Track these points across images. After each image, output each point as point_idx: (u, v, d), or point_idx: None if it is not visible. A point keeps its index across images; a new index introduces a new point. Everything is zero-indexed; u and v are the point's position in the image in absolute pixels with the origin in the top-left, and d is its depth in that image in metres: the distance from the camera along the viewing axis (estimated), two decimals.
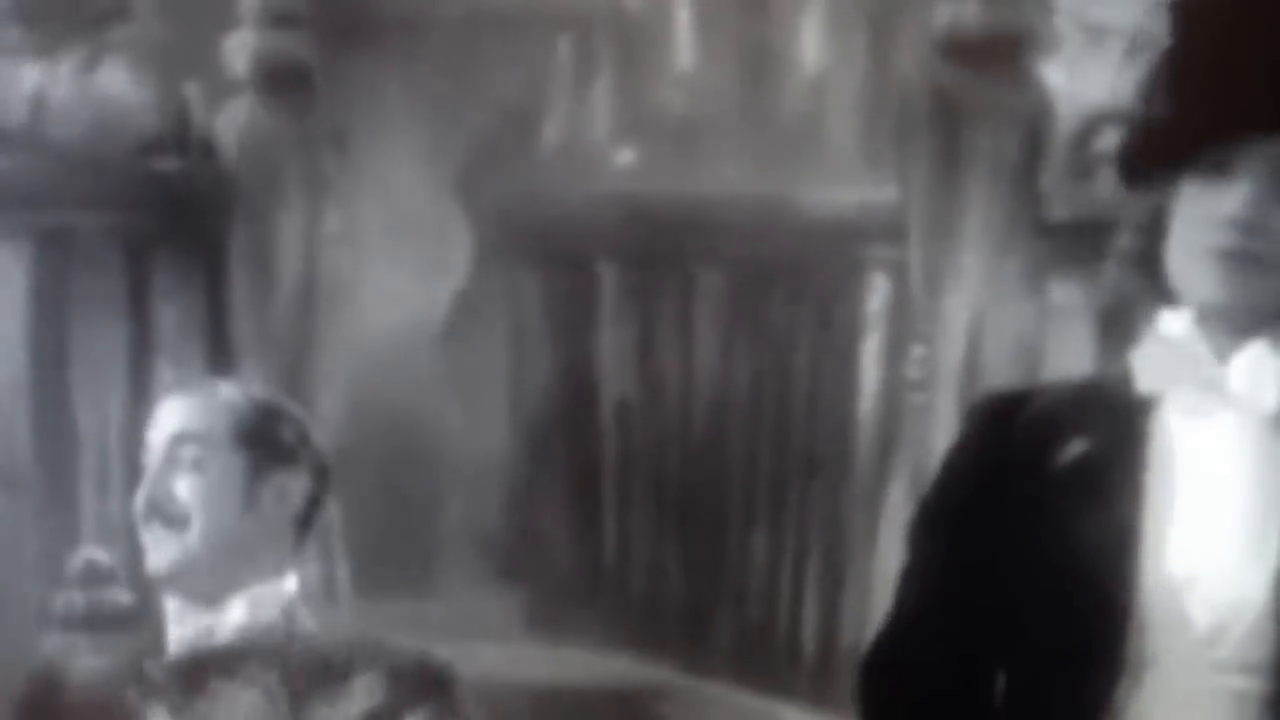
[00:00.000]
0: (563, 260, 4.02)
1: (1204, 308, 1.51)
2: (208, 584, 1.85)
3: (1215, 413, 1.51)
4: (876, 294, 3.45)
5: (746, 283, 3.71)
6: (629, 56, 3.96)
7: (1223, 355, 1.52)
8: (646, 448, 3.85)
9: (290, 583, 1.88)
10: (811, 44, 3.61)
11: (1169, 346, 1.52)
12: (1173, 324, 1.54)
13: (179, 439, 1.86)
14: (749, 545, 3.64)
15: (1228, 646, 1.48)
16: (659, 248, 3.86)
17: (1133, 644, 1.47)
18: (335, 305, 4.00)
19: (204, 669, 1.82)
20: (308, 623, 1.87)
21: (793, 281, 3.60)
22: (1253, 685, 1.48)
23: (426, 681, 1.85)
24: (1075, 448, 1.51)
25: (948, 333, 3.24)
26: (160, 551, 1.84)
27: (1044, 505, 1.51)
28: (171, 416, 1.88)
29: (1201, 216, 1.50)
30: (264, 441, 1.88)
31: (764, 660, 3.61)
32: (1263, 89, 1.49)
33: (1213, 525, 1.50)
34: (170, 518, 1.84)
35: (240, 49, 3.95)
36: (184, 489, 1.85)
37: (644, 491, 3.86)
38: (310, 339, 3.98)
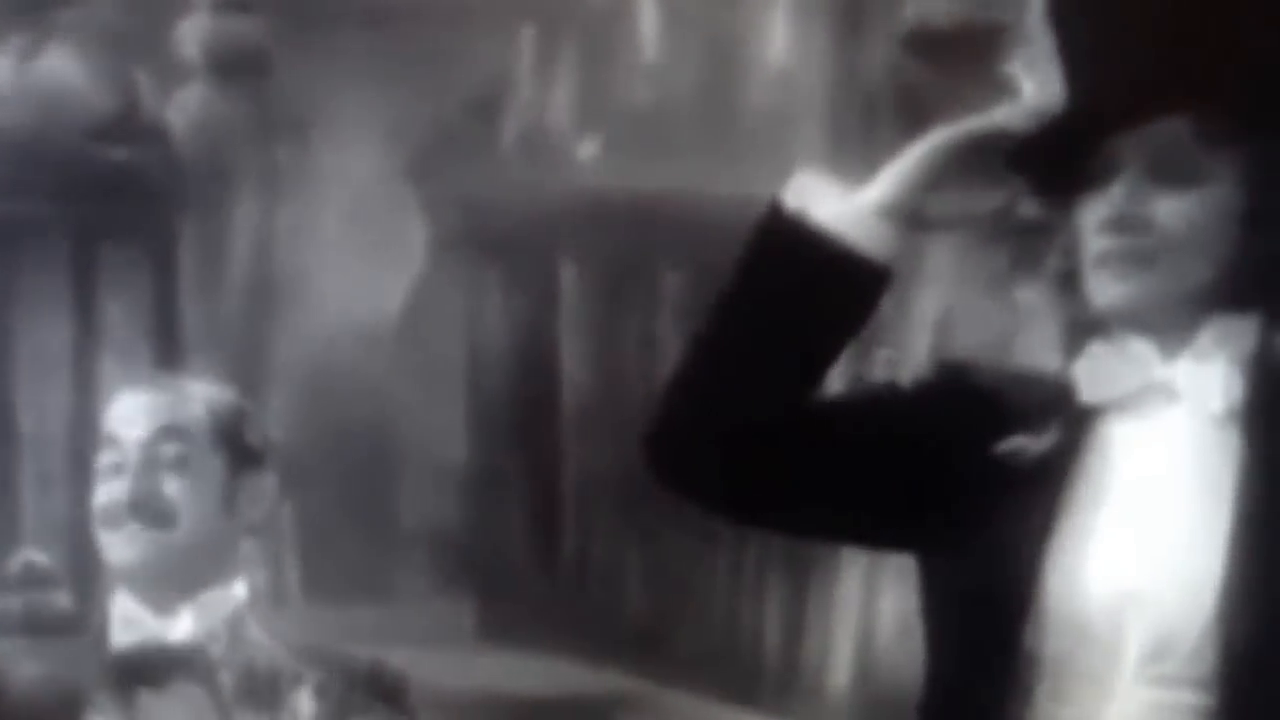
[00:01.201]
0: (522, 255, 4.04)
1: (1111, 315, 1.51)
2: (171, 585, 1.85)
3: (1162, 414, 1.52)
4: None
5: (709, 280, 3.72)
6: (593, 48, 3.98)
7: (1171, 354, 1.53)
8: (607, 450, 3.87)
9: (239, 588, 1.89)
10: (778, 39, 3.64)
11: (1114, 353, 1.53)
12: (1119, 328, 1.55)
13: (160, 436, 1.85)
14: (710, 551, 3.67)
15: (1171, 662, 1.49)
16: (621, 244, 3.88)
17: (1064, 657, 1.48)
18: (288, 299, 4.01)
19: (140, 681, 1.83)
20: (255, 630, 1.88)
21: None
22: (1198, 700, 1.48)
23: (378, 690, 1.87)
24: (1026, 449, 1.52)
25: (913, 334, 3.28)
26: (132, 547, 1.83)
27: (971, 486, 1.51)
28: (145, 412, 1.87)
29: (1091, 224, 1.52)
30: (238, 442, 1.90)
31: (724, 669, 3.63)
32: (1146, 75, 1.50)
33: (1156, 534, 1.51)
34: (156, 516, 1.84)
35: (193, 35, 3.95)
36: (173, 488, 1.84)
37: (603, 495, 3.88)
38: (262, 334, 3.99)
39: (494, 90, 4.09)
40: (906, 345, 3.30)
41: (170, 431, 1.85)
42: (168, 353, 3.82)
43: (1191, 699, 1.49)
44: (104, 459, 1.88)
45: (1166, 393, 1.52)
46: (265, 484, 1.92)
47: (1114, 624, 1.49)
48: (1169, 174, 1.51)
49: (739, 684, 3.60)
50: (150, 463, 1.85)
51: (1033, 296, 3.65)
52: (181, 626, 1.85)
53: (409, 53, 4.03)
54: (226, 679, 1.82)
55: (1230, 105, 1.50)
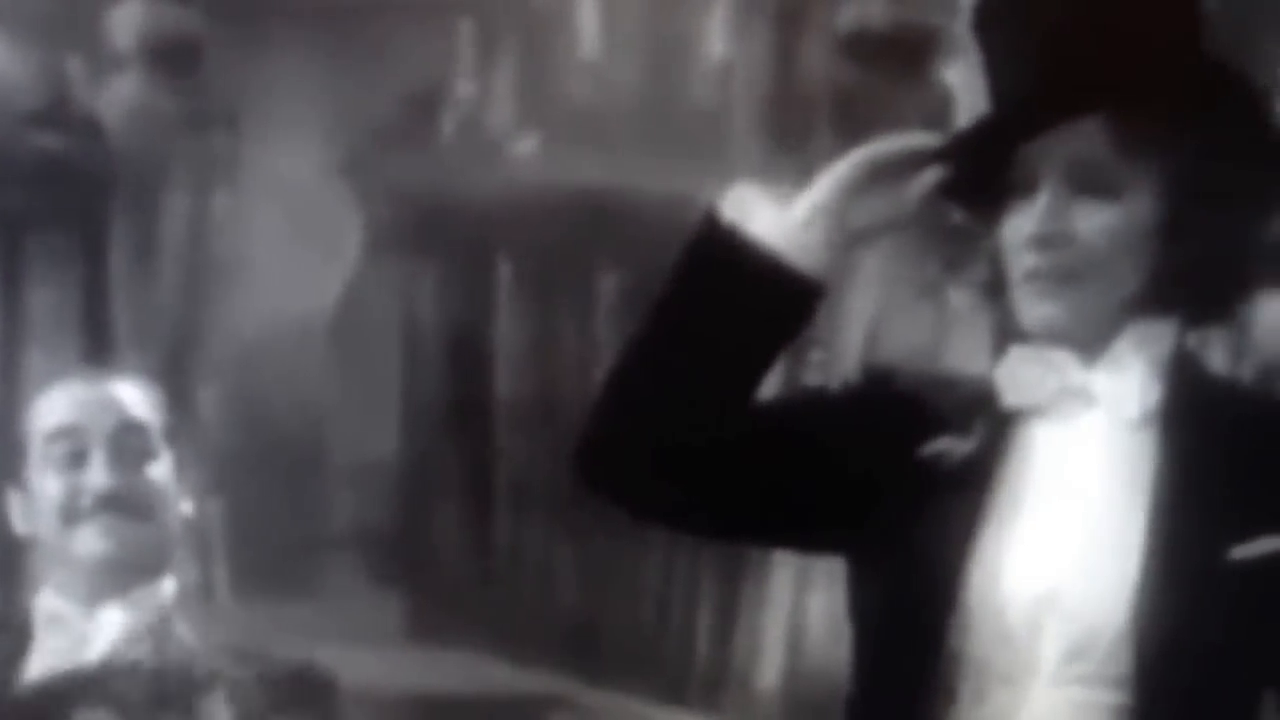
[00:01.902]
0: (459, 251, 4.06)
1: (1038, 332, 1.55)
2: (120, 579, 1.86)
3: (1082, 418, 1.54)
4: None
5: (646, 280, 3.76)
6: (532, 44, 4.01)
7: (1091, 359, 1.55)
8: (541, 449, 3.90)
9: (168, 585, 1.90)
10: (717, 38, 3.68)
11: (1034, 357, 1.55)
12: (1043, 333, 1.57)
13: (126, 428, 1.87)
14: (642, 551, 3.71)
15: (1090, 662, 1.51)
16: (558, 241, 3.91)
17: (986, 658, 1.51)
18: (221, 292, 4.01)
19: (54, 696, 1.83)
20: (183, 628, 1.90)
21: None
22: (1115, 699, 1.51)
23: (306, 689, 1.89)
24: (948, 453, 1.55)
25: (846, 336, 3.32)
26: (107, 540, 1.84)
27: (912, 505, 1.55)
28: (107, 404, 1.88)
29: (1016, 240, 1.55)
30: (178, 436, 1.93)
31: (655, 668, 3.67)
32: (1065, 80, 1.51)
33: (1075, 536, 1.53)
34: (135, 508, 1.85)
35: (126, 23, 3.96)
36: (147, 479, 1.86)
37: (535, 494, 3.91)
38: (193, 328, 4.00)
39: (432, 84, 4.11)
40: (838, 347, 3.35)
41: (132, 426, 1.87)
42: (97, 345, 3.82)
43: (1108, 698, 1.52)
44: (54, 450, 1.87)
45: (1085, 397, 1.55)
46: (197, 478, 1.95)
47: (1033, 625, 1.52)
48: (1088, 186, 1.53)
49: (669, 683, 3.64)
50: (121, 453, 1.85)
51: (963, 301, 3.75)
52: (109, 624, 1.87)
53: (346, 45, 4.05)
54: (136, 692, 1.83)
55: (1147, 114, 1.52)
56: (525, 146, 4.01)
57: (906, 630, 1.52)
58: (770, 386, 3.83)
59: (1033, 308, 1.53)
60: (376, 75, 4.07)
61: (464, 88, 4.11)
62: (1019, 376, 1.56)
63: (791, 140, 3.48)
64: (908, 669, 1.52)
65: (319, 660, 1.93)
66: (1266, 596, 1.49)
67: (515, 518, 3.95)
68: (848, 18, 3.25)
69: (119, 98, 3.99)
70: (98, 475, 1.85)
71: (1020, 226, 1.54)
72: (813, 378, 3.38)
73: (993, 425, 1.55)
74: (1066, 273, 1.52)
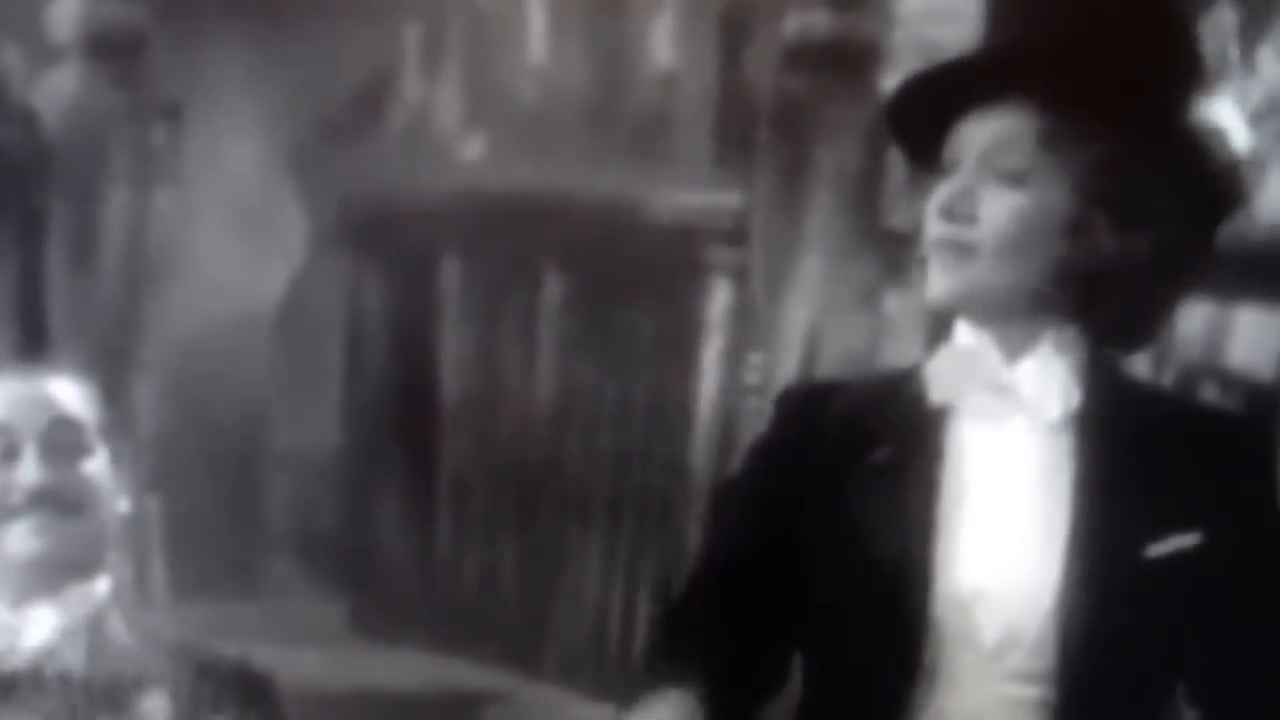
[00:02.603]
0: (404, 251, 4.09)
1: (938, 307, 1.59)
2: (52, 578, 1.85)
3: (1006, 419, 1.59)
4: (719, 298, 3.59)
5: (590, 282, 3.82)
6: (479, 46, 4.05)
7: (1014, 359, 1.59)
8: (484, 449, 3.94)
9: (102, 584, 1.90)
10: (663, 45, 3.74)
11: (961, 355, 1.60)
12: (966, 332, 1.62)
13: (58, 424, 1.85)
14: (583, 548, 3.76)
15: (1016, 657, 1.56)
16: (503, 243, 3.95)
17: (927, 654, 1.56)
18: (160, 288, 4.03)
19: None
20: (118, 627, 1.89)
21: (637, 283, 3.72)
22: (1040, 695, 1.56)
23: (243, 688, 1.88)
24: (879, 453, 1.60)
25: (786, 339, 3.39)
26: (40, 538, 1.83)
27: (847, 505, 1.59)
28: (37, 399, 1.87)
29: (931, 210, 1.60)
30: (112, 431, 1.91)
31: (597, 665, 3.73)
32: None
33: (1001, 534, 1.58)
34: (67, 505, 1.84)
35: (66, 14, 3.97)
36: (81, 475, 1.84)
37: (480, 493, 3.96)
38: (132, 323, 4.01)
39: (379, 84, 4.14)
40: (778, 352, 3.41)
41: (65, 421, 1.86)
42: (32, 339, 3.83)
43: (1035, 693, 1.57)
44: None
45: (1009, 397, 1.60)
46: (129, 477, 1.94)
47: (963, 621, 1.56)
48: (1001, 171, 1.57)
49: (610, 679, 3.69)
50: (53, 449, 1.85)
51: (899, 306, 3.82)
52: (41, 623, 1.87)
53: (292, 42, 4.07)
54: (70, 692, 1.83)
55: (1076, 115, 1.55)
56: (471, 147, 4.05)
57: (851, 632, 1.58)
58: (710, 386, 3.89)
59: (934, 279, 1.58)
60: (323, 73, 4.10)
61: (411, 88, 4.14)
62: (945, 374, 1.59)
63: (735, 147, 3.55)
64: (857, 672, 1.58)
65: (254, 658, 1.92)
66: (1177, 592, 1.54)
67: (457, 515, 4.00)
68: (790, 28, 3.32)
69: (57, 90, 4.00)
70: (29, 471, 1.84)
71: (937, 197, 1.59)
72: (752, 380, 3.45)
73: (921, 426, 1.59)
74: (963, 246, 1.56)
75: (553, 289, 3.88)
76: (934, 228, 1.59)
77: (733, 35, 3.57)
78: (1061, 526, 1.57)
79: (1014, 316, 1.59)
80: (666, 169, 3.69)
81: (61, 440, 1.87)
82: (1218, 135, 3.14)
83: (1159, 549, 1.54)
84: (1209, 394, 3.01)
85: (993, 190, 1.57)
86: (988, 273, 1.57)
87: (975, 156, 1.58)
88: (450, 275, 4.02)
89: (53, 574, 1.87)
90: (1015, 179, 1.57)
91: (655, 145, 3.72)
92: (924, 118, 1.62)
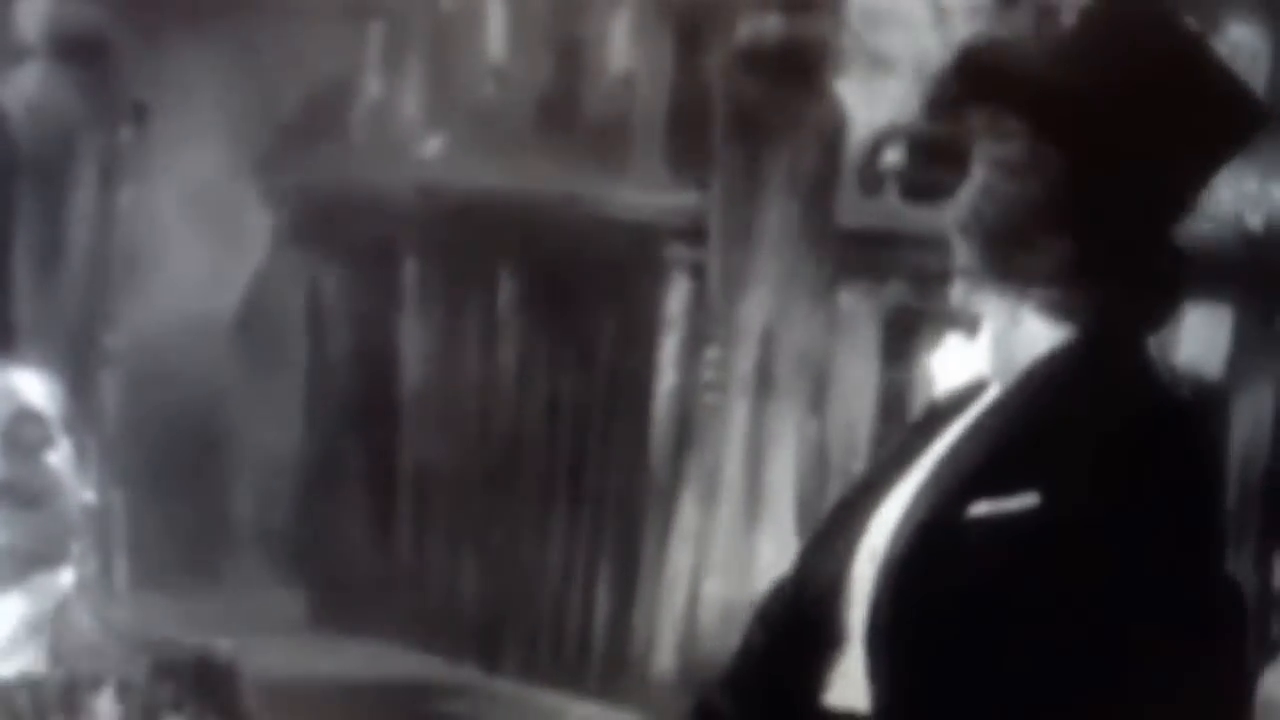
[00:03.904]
0: (364, 250, 4.10)
1: (960, 272, 1.61)
2: (16, 567, 1.88)
3: (977, 400, 1.58)
4: (676, 295, 3.61)
5: (549, 279, 3.84)
6: (440, 48, 4.07)
7: (1005, 334, 1.57)
8: (443, 444, 3.96)
9: (67, 575, 1.93)
10: (620, 47, 3.76)
11: (962, 344, 1.62)
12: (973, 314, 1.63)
13: (21, 418, 1.89)
14: (542, 542, 3.77)
15: None
16: (463, 241, 3.96)
17: (843, 616, 1.55)
18: (125, 286, 4.03)
19: None
20: (82, 619, 1.93)
21: (595, 280, 3.74)
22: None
23: (205, 678, 1.92)
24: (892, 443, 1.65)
25: (742, 336, 3.41)
26: (6, 530, 1.86)
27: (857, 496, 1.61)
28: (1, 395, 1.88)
29: (951, 213, 1.64)
30: (76, 424, 1.95)
31: (555, 658, 3.74)
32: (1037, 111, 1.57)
33: (904, 498, 1.55)
34: (29, 498, 1.87)
35: (32, 15, 3.97)
36: (43, 469, 1.88)
37: (439, 488, 3.97)
38: (97, 319, 4.01)
39: (340, 85, 4.15)
40: (734, 346, 3.44)
41: (27, 416, 1.90)
42: (0, 335, 3.83)
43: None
44: None
45: (979, 379, 1.60)
46: (94, 470, 1.98)
47: (863, 583, 1.55)
48: (1004, 166, 1.58)
49: (568, 671, 3.71)
50: (16, 443, 1.89)
51: (852, 302, 3.84)
52: (8, 613, 1.89)
53: (256, 43, 4.08)
54: (19, 706, 1.84)
55: (1059, 123, 1.56)
56: (431, 147, 4.07)
57: (805, 609, 1.56)
58: (667, 382, 3.90)
59: (956, 253, 1.62)
60: (285, 74, 4.10)
61: (372, 88, 4.16)
62: (949, 363, 1.62)
63: (692, 147, 3.57)
64: (796, 644, 1.56)
65: (219, 647, 1.95)
66: (996, 555, 1.50)
67: (418, 510, 4.01)
68: (744, 32, 3.35)
69: (22, 89, 4.00)
70: None
71: (957, 199, 1.62)
72: (709, 376, 3.48)
73: (923, 417, 1.61)
74: (967, 225, 1.58)
75: (511, 286, 3.89)
76: (952, 215, 1.65)
77: (688, 39, 3.59)
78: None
79: (1000, 286, 1.59)
80: (624, 168, 3.71)
81: (24, 434, 1.90)
82: None
83: (980, 509, 1.51)
84: None
85: (998, 179, 1.60)
86: (993, 248, 1.60)
87: (984, 160, 1.63)
88: (410, 272, 4.03)
89: (17, 565, 1.89)
90: (1015, 173, 1.60)
91: (613, 145, 3.74)
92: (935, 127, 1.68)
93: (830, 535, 1.60)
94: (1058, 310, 1.59)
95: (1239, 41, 3.04)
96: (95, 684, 1.86)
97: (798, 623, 1.60)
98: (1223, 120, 1.62)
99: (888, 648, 1.52)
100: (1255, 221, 3.10)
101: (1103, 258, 1.58)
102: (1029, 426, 1.55)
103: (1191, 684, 1.51)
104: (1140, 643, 1.50)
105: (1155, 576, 1.52)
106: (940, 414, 1.62)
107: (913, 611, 1.51)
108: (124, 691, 1.86)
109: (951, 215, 1.65)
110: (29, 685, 1.82)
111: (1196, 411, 1.72)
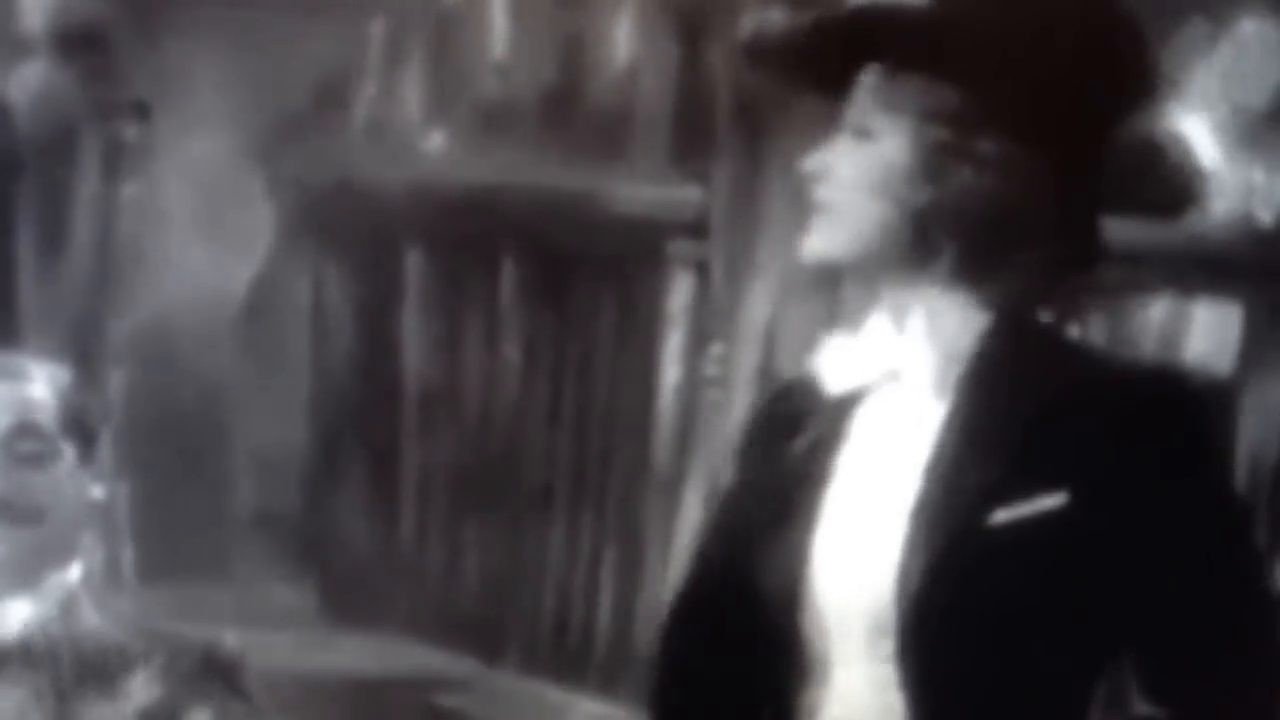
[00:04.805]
0: (368, 243, 4.10)
1: (809, 262, 1.59)
2: (17, 577, 1.85)
3: (900, 395, 1.54)
4: (679, 290, 3.59)
5: (552, 275, 3.83)
6: (442, 40, 4.06)
7: (902, 321, 1.54)
8: (446, 438, 3.95)
9: (74, 570, 1.89)
10: (623, 40, 3.75)
11: (848, 341, 1.57)
12: (857, 306, 1.60)
13: (18, 433, 1.84)
14: (546, 537, 3.77)
15: (888, 641, 1.50)
16: (466, 235, 3.95)
17: (810, 646, 1.52)
18: (130, 278, 4.03)
19: None
20: (90, 612, 1.88)
21: (598, 275, 3.73)
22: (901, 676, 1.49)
23: (214, 671, 1.88)
24: (798, 444, 1.56)
25: (745, 331, 3.40)
26: (9, 547, 1.82)
27: (770, 497, 1.56)
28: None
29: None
30: (83, 427, 1.90)
31: (558, 652, 3.74)
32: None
33: (874, 515, 1.53)
34: (21, 515, 1.83)
35: (36, 8, 3.96)
36: (37, 485, 1.84)
37: (443, 481, 3.96)
38: (102, 312, 4.01)
39: (343, 78, 4.14)
40: (737, 342, 3.43)
41: (27, 429, 1.86)
42: (4, 329, 3.83)
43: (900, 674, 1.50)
44: None
45: (899, 370, 1.55)
46: (103, 463, 1.94)
47: (846, 607, 1.52)
48: (852, 128, 1.56)
49: (571, 665, 3.70)
50: (9, 460, 1.85)
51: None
52: (16, 613, 1.86)
53: (258, 36, 4.07)
54: (58, 668, 1.83)
55: (909, 75, 1.54)
56: (433, 141, 4.06)
57: (759, 626, 1.53)
58: (670, 377, 3.89)
59: (805, 242, 1.58)
60: (289, 67, 4.10)
61: (374, 82, 4.15)
62: (836, 363, 1.57)
63: (695, 141, 3.56)
64: (761, 660, 1.52)
65: (226, 641, 1.92)
66: (1028, 560, 1.47)
67: (421, 503, 4.00)
68: (748, 24, 3.33)
69: (27, 82, 3.99)
70: None
71: (807, 164, 1.58)
72: (712, 371, 3.47)
73: (823, 417, 1.56)
74: (824, 204, 1.55)
75: (514, 281, 3.89)
76: (808, 192, 1.59)
77: (692, 32, 3.58)
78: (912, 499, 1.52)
79: (894, 274, 1.56)
80: (627, 163, 3.70)
81: (23, 450, 1.86)
82: (1176, 138, 3.16)
83: (1003, 516, 1.48)
84: None
85: (846, 147, 1.56)
86: (847, 225, 1.56)
87: (842, 120, 1.58)
88: (413, 266, 4.03)
89: (20, 575, 1.86)
90: (863, 135, 1.57)
91: (616, 139, 3.73)
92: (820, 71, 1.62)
93: (754, 545, 1.55)
94: (973, 297, 1.55)
95: (1252, 34, 3.03)
96: (128, 664, 1.84)
97: (753, 641, 1.54)
98: (1123, 76, 1.57)
99: (933, 658, 1.49)
100: (1265, 216, 3.09)
101: (1021, 237, 1.55)
102: (1023, 425, 1.52)
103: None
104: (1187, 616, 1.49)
105: (1194, 550, 1.50)
106: (841, 412, 1.56)
107: (958, 622, 1.49)
108: (157, 675, 1.84)
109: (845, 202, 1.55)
110: (63, 658, 1.81)
111: (1171, 373, 1.70)
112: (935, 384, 1.56)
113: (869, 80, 1.57)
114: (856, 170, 1.57)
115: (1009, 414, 1.53)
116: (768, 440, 1.61)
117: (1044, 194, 1.55)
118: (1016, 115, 1.55)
